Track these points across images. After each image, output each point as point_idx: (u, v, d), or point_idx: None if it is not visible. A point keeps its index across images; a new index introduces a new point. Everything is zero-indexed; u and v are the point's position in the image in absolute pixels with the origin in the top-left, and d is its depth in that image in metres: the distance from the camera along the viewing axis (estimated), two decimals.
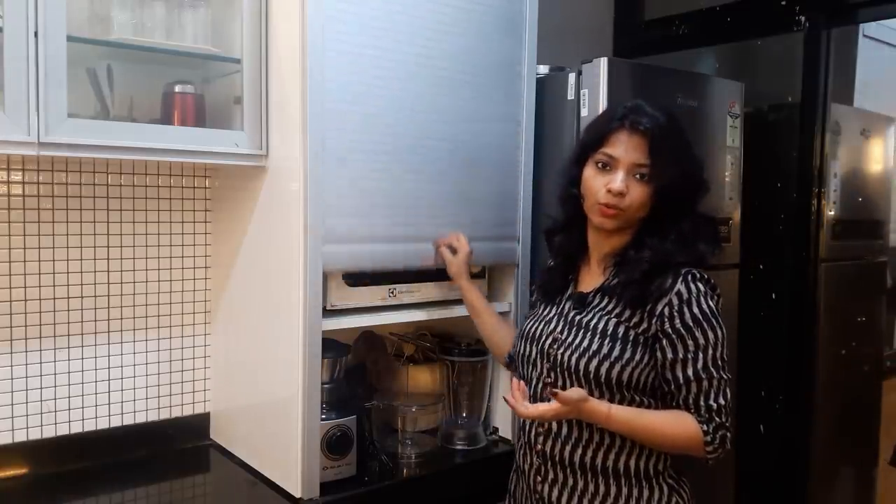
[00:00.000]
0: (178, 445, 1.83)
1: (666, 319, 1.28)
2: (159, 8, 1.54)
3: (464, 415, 1.87)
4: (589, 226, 1.43)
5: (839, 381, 2.49)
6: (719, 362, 1.28)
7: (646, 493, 1.33)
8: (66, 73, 1.34)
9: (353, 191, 1.55)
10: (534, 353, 1.42)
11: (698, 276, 1.32)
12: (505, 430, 1.90)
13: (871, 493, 2.78)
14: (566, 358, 1.35)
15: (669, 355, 1.28)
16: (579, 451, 1.34)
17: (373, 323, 1.68)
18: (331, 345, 1.63)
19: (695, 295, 1.29)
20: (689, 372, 1.27)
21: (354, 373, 1.81)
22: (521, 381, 1.31)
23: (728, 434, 1.27)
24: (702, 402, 1.27)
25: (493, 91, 1.77)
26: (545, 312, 1.46)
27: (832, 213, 2.39)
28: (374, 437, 1.73)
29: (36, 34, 1.31)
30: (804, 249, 2.36)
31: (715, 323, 1.28)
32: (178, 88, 1.59)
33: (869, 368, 2.68)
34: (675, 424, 1.28)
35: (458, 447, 1.83)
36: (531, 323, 1.47)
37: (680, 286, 1.29)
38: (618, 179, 1.32)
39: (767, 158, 2.37)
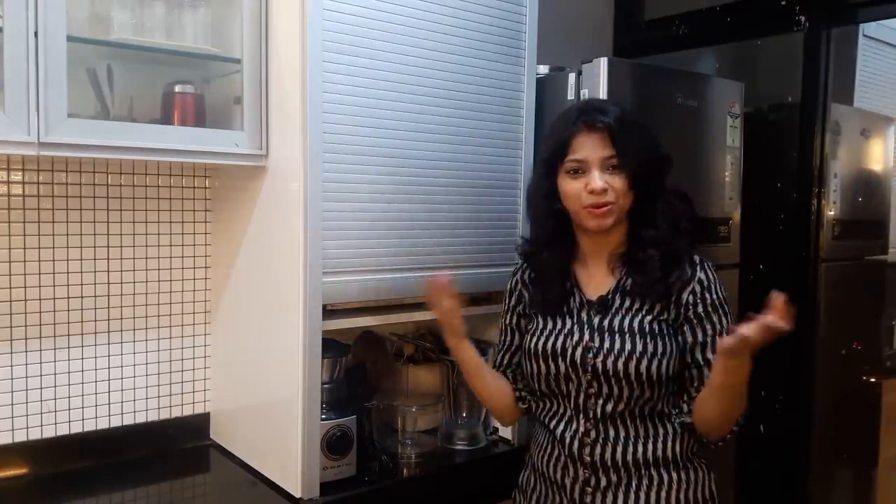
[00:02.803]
0: (178, 445, 1.83)
1: (690, 306, 1.36)
2: (159, 8, 1.54)
3: (464, 415, 1.87)
4: (581, 232, 1.43)
5: (839, 381, 2.49)
6: None
7: (692, 474, 1.39)
8: (66, 73, 1.35)
9: (352, 224, 1.57)
10: (563, 368, 1.38)
11: (709, 263, 1.40)
12: (505, 430, 1.90)
13: (870, 493, 2.78)
14: (609, 364, 1.34)
15: (690, 339, 1.36)
16: (630, 448, 1.35)
17: (373, 323, 1.68)
18: (331, 345, 1.63)
19: (713, 281, 1.38)
20: (709, 355, 1.34)
21: (354, 373, 1.81)
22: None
23: None
24: None
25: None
26: (556, 326, 1.42)
27: (832, 213, 2.39)
28: (374, 437, 1.73)
29: (36, 34, 1.31)
30: (804, 249, 2.36)
31: (728, 308, 1.38)
32: (178, 88, 1.59)
33: (869, 368, 2.68)
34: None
35: (459, 447, 1.83)
36: (542, 340, 1.42)
37: (700, 273, 1.37)
38: (595, 178, 1.33)
39: (767, 158, 2.37)
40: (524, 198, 1.83)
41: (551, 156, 1.39)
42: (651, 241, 1.36)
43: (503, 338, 1.56)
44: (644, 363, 1.32)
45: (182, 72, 1.63)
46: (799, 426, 2.38)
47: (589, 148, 1.34)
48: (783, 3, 2.38)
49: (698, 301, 1.35)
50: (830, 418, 2.46)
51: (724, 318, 1.37)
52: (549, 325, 1.44)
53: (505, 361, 1.55)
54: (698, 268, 1.37)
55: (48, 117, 1.33)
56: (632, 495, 1.35)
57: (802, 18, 2.34)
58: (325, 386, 1.59)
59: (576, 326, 1.40)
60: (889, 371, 2.74)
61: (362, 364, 1.88)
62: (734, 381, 1.26)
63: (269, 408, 1.64)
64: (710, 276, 1.38)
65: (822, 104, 2.33)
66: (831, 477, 2.60)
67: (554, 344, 1.40)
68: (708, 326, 1.35)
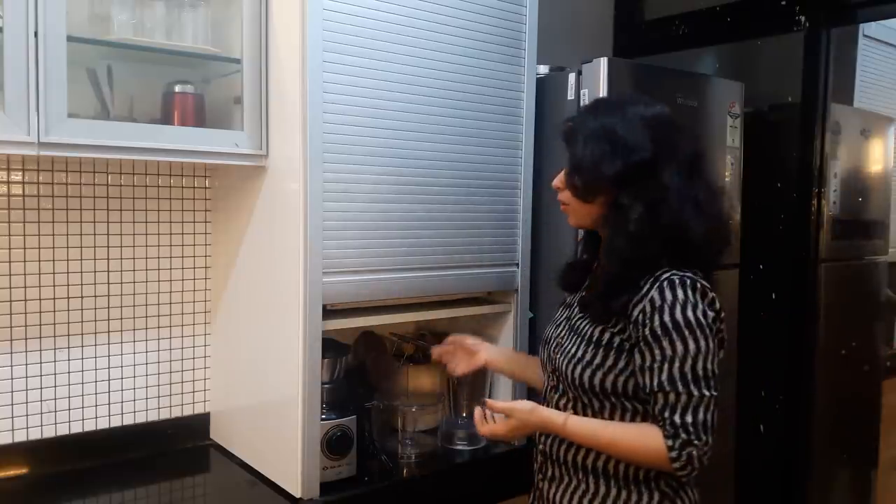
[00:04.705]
0: (178, 445, 1.83)
1: (640, 326, 1.24)
2: (159, 8, 1.54)
3: (464, 415, 1.87)
4: None
5: (839, 381, 2.49)
6: (689, 376, 1.19)
7: (634, 496, 1.29)
8: (66, 73, 1.34)
9: (352, 224, 1.57)
10: (544, 356, 1.44)
11: (679, 281, 1.23)
12: None
13: (870, 493, 2.78)
14: (562, 364, 1.35)
15: (639, 362, 1.24)
16: (573, 451, 1.34)
17: (373, 323, 1.68)
18: (331, 345, 1.63)
19: (669, 303, 1.21)
20: (655, 382, 1.21)
21: (354, 373, 1.81)
22: (479, 408, 1.37)
23: (697, 452, 1.18)
24: (667, 416, 1.20)
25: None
26: (558, 315, 1.47)
27: (832, 213, 2.39)
28: (374, 437, 1.73)
29: (36, 34, 1.31)
30: (804, 249, 2.36)
31: (688, 334, 1.20)
32: (178, 88, 1.59)
33: (869, 368, 2.68)
34: (636, 437, 1.23)
35: (458, 447, 1.83)
36: (548, 327, 1.48)
37: (654, 293, 1.23)
38: (557, 177, 1.37)
39: (767, 158, 2.37)
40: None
41: None
42: (610, 251, 1.29)
43: None
44: (579, 369, 1.30)
45: (182, 72, 1.63)
46: (799, 426, 2.38)
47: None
48: (783, 3, 2.38)
49: (646, 321, 1.22)
50: (830, 418, 2.46)
51: (678, 344, 1.19)
52: (556, 314, 1.48)
53: None
54: (655, 286, 1.23)
55: (48, 117, 1.33)
56: (568, 495, 1.35)
57: (802, 18, 2.34)
58: (325, 386, 1.59)
59: (564, 321, 1.43)
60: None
61: (362, 364, 1.88)
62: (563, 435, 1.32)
63: (269, 408, 1.64)
64: (669, 297, 1.21)
65: (822, 104, 2.33)
66: (831, 477, 2.60)
67: (548, 332, 1.46)
68: (656, 351, 1.21)
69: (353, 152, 1.55)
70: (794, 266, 2.38)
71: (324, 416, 1.57)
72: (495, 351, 1.69)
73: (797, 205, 2.36)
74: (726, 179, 2.20)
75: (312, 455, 1.53)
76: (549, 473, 1.39)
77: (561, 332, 1.41)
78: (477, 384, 1.87)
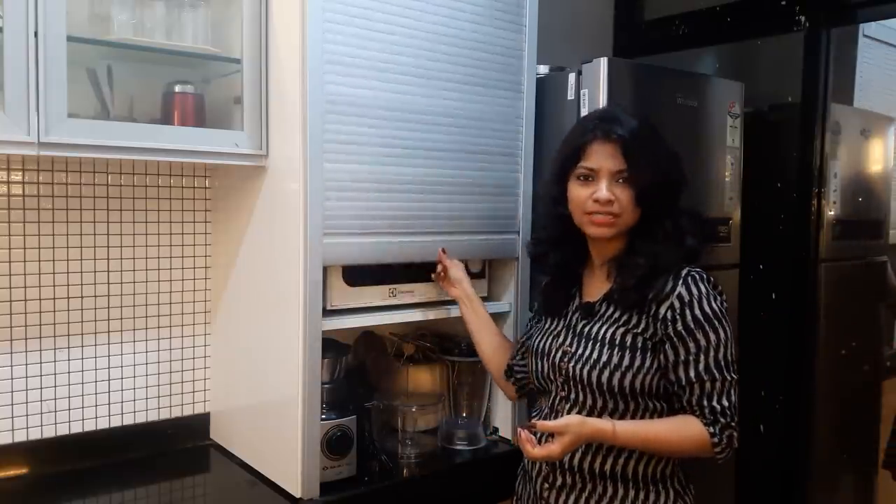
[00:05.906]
0: (178, 445, 1.83)
1: (669, 323, 1.30)
2: (159, 8, 1.54)
3: (464, 415, 1.87)
4: (587, 236, 1.43)
5: (839, 381, 2.49)
6: (722, 363, 1.30)
7: (652, 496, 1.34)
8: (66, 73, 1.34)
9: (353, 185, 1.56)
10: (546, 368, 1.42)
11: (699, 276, 1.32)
12: (505, 430, 1.90)
13: (870, 493, 2.78)
14: (577, 371, 1.35)
15: (672, 357, 1.30)
16: (588, 458, 1.35)
17: (373, 323, 1.68)
18: (331, 345, 1.63)
19: (696, 297, 1.30)
20: (692, 374, 1.29)
21: (354, 373, 1.81)
22: (526, 431, 1.28)
23: (735, 433, 1.30)
24: (705, 404, 1.29)
25: (494, 89, 1.77)
26: (552, 326, 1.46)
27: (832, 213, 2.39)
28: (374, 437, 1.73)
29: (36, 34, 1.31)
30: (804, 249, 2.36)
31: (717, 324, 1.29)
32: (178, 88, 1.59)
33: (869, 368, 2.68)
34: (680, 430, 1.29)
35: (458, 447, 1.83)
36: (538, 338, 1.47)
37: (681, 289, 1.30)
38: (602, 188, 1.33)
39: (767, 158, 2.37)
40: (523, 193, 1.84)
41: (565, 160, 1.40)
42: (642, 251, 1.34)
43: (528, 321, 1.64)
44: (606, 374, 1.31)
45: (182, 72, 1.63)
46: (799, 426, 2.38)
47: (601, 158, 1.34)
48: (783, 3, 2.38)
49: (677, 317, 1.29)
50: (830, 418, 2.46)
51: (711, 334, 1.29)
52: (547, 325, 1.48)
53: (521, 341, 1.61)
54: (680, 282, 1.31)
55: (48, 117, 1.33)
56: (582, 501, 1.36)
57: (802, 18, 2.33)
58: (325, 386, 1.59)
59: (563, 329, 1.43)
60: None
61: (362, 364, 1.88)
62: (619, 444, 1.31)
63: (269, 408, 1.64)
64: (695, 292, 1.30)
65: (822, 104, 2.33)
66: (831, 477, 2.60)
67: (543, 343, 1.45)
68: (691, 344, 1.29)
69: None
70: (794, 266, 2.38)
71: (324, 416, 1.57)
72: (471, 302, 1.67)
73: (797, 205, 2.36)
74: (726, 179, 2.20)
75: (312, 455, 1.53)
76: (560, 482, 1.38)
77: (564, 340, 1.40)
78: (477, 384, 1.87)
